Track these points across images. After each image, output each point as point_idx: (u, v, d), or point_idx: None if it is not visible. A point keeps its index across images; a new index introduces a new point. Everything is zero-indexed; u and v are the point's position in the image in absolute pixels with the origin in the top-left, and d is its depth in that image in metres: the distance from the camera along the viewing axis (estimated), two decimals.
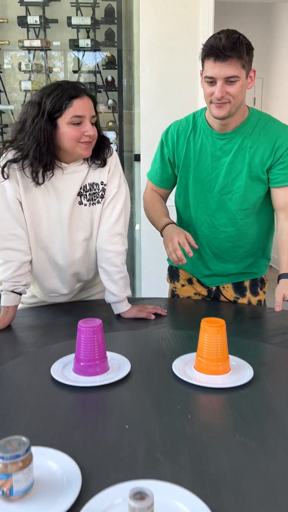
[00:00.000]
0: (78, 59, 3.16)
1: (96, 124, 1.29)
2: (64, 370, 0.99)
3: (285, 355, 1.07)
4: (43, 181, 1.26)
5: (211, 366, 0.95)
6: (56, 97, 1.17)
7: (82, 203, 1.36)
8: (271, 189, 1.42)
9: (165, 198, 1.60)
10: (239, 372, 0.97)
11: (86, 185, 1.35)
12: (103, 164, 1.36)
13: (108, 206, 1.40)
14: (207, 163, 1.41)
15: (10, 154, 1.25)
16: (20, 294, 1.32)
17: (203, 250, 1.50)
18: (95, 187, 1.37)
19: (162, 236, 1.42)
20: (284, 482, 0.63)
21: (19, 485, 0.58)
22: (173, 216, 1.57)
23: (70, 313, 1.40)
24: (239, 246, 1.48)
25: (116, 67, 3.07)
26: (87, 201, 1.37)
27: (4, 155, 1.26)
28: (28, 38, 3.10)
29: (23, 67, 3.14)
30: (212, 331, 0.95)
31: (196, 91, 2.80)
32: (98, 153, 1.33)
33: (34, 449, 0.65)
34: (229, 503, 0.59)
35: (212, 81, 1.27)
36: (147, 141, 2.82)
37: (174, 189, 1.58)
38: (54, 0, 3.07)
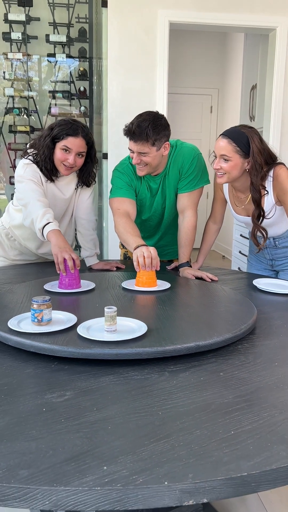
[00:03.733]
0: (54, 67, 3.68)
1: (89, 156, 1.85)
2: (52, 287, 1.54)
3: (194, 280, 1.66)
4: (52, 179, 1.85)
5: (145, 283, 1.53)
6: (60, 130, 1.75)
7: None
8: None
9: (134, 213, 1.88)
10: (162, 286, 1.56)
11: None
12: (87, 186, 1.96)
13: (82, 189, 1.97)
14: (152, 194, 1.95)
15: (31, 154, 1.82)
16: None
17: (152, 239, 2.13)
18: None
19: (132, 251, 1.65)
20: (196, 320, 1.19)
21: (46, 316, 1.12)
22: None
23: (54, 266, 1.95)
24: (170, 234, 2.10)
25: (87, 78, 3.62)
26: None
27: (28, 147, 1.85)
28: (11, 51, 3.61)
29: (6, 76, 3.64)
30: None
31: (154, 102, 3.39)
32: (84, 180, 1.92)
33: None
34: (159, 325, 1.16)
35: (131, 151, 1.75)
36: (113, 142, 3.39)
37: None
38: (34, 20, 3.59)
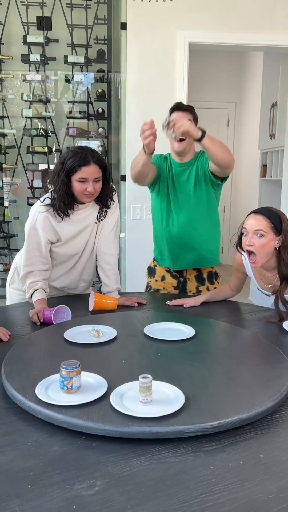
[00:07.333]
0: (71, 84, 3.66)
1: (105, 178, 1.83)
2: (73, 336, 1.47)
3: (219, 324, 1.59)
4: (68, 214, 1.83)
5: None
6: (71, 162, 1.74)
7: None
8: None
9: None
10: (187, 332, 1.49)
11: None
12: (107, 208, 1.93)
13: (106, 222, 1.93)
14: (176, 180, 2.09)
15: (48, 195, 1.82)
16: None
17: (174, 243, 2.12)
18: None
19: (145, 151, 1.84)
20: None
21: (76, 383, 1.06)
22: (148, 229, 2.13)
23: (78, 300, 1.91)
24: (198, 234, 2.10)
25: (105, 99, 3.59)
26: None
27: (48, 193, 1.84)
28: (29, 73, 3.60)
29: (24, 97, 3.63)
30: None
31: None
32: (103, 202, 1.90)
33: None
34: (195, 390, 1.09)
35: None
36: None
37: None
38: (53, 41, 3.58)
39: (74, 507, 0.76)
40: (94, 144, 3.61)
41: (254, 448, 0.93)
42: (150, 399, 1.02)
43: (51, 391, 1.08)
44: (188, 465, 0.87)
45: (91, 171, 1.76)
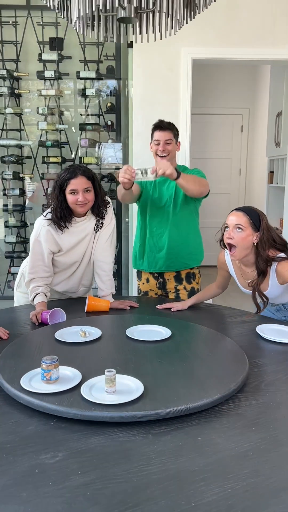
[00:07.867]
0: (85, 98, 3.88)
1: (95, 188, 2.04)
2: (63, 336, 1.68)
3: (197, 326, 1.76)
4: (66, 226, 2.05)
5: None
6: (62, 177, 1.97)
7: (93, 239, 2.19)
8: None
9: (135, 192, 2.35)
10: (164, 333, 1.67)
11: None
12: (102, 219, 2.15)
13: (102, 232, 2.14)
14: (156, 190, 2.36)
15: (49, 210, 2.05)
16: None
17: (154, 246, 2.38)
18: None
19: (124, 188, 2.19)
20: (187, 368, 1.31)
21: (54, 375, 1.27)
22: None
23: (76, 303, 2.11)
24: (175, 239, 2.35)
25: (114, 112, 3.80)
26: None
27: (48, 209, 2.07)
28: (45, 88, 3.85)
29: (40, 111, 3.88)
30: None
31: None
32: (96, 212, 2.11)
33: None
34: (154, 384, 1.27)
35: (158, 143, 2.29)
36: None
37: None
38: (66, 58, 3.81)
39: (36, 471, 0.96)
40: (118, 147, 3.84)
41: (195, 432, 1.11)
42: (114, 389, 1.22)
43: (34, 381, 1.29)
44: (137, 444, 1.06)
45: (79, 182, 1.98)
